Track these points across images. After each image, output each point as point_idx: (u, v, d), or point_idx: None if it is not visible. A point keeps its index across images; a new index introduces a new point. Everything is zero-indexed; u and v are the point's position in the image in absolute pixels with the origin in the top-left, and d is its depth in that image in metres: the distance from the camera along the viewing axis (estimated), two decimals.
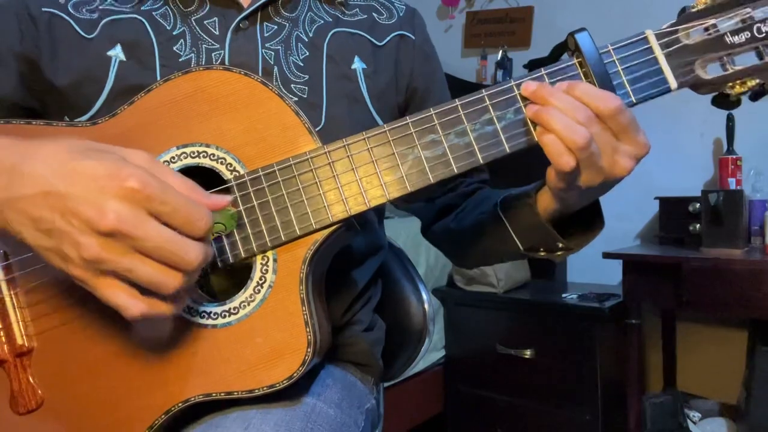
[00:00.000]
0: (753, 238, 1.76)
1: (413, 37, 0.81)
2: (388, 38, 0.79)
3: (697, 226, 1.76)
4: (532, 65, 2.29)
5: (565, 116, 0.53)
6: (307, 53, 0.72)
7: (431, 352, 2.12)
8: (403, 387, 1.92)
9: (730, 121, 1.86)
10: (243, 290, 0.58)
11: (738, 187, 1.80)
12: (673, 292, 1.66)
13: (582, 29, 0.57)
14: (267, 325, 0.57)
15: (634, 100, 0.57)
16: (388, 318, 0.87)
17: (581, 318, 1.86)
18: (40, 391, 0.59)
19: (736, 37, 0.57)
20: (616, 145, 0.55)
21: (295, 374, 0.56)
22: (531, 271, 2.23)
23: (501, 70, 2.43)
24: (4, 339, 0.59)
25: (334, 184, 0.58)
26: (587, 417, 1.84)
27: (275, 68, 0.70)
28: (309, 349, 0.56)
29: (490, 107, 0.57)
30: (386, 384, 0.94)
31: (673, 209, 1.88)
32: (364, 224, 0.78)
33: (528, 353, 1.94)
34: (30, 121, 0.61)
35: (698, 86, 0.59)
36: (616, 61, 0.58)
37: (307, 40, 0.73)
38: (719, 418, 1.84)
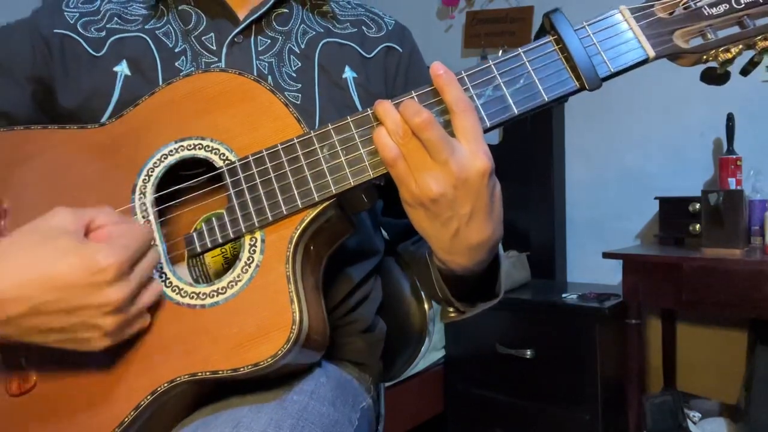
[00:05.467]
0: (753, 238, 1.76)
1: (400, 50, 0.83)
2: (377, 50, 0.81)
3: (697, 226, 1.76)
4: None
5: (384, 133, 0.56)
6: (300, 64, 0.76)
7: (431, 352, 2.12)
8: (403, 387, 1.92)
9: (730, 121, 1.85)
10: (231, 270, 0.59)
11: (738, 187, 1.80)
12: (673, 292, 1.66)
13: (556, 9, 0.61)
14: (253, 303, 0.58)
15: (612, 69, 0.59)
16: (388, 318, 0.87)
17: (581, 318, 1.86)
18: (32, 374, 0.60)
19: (714, 9, 0.58)
20: (426, 164, 0.55)
21: (279, 352, 0.55)
22: (531, 271, 2.24)
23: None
24: None
25: (320, 165, 0.60)
26: (587, 417, 1.84)
27: (269, 77, 0.74)
28: (294, 327, 0.56)
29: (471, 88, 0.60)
30: (386, 384, 0.94)
31: (673, 209, 1.88)
32: (358, 223, 0.78)
33: (528, 353, 1.94)
34: (46, 126, 0.67)
35: (677, 56, 0.60)
36: (592, 36, 0.60)
37: (299, 51, 0.76)
38: (719, 418, 1.84)
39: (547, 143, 2.27)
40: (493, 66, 0.59)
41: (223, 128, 0.63)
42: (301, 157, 0.60)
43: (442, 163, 0.54)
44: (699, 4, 0.58)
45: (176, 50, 0.73)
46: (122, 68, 0.72)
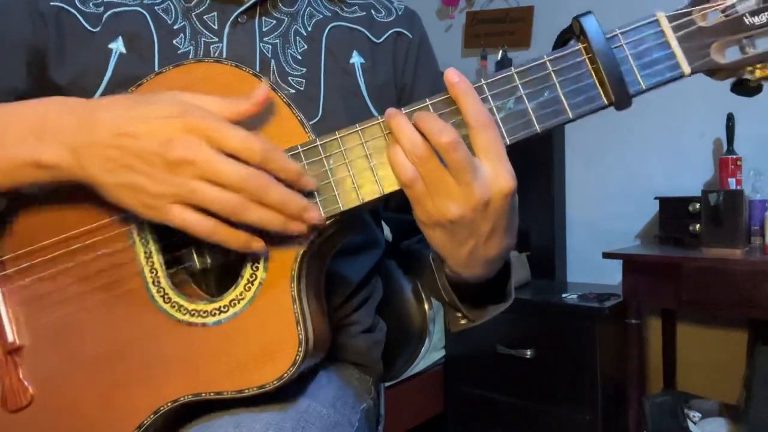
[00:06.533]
0: (753, 238, 1.76)
1: (410, 36, 0.81)
2: (386, 35, 0.79)
3: (697, 226, 1.76)
4: None
5: (400, 151, 0.52)
6: (306, 47, 0.72)
7: (431, 352, 2.12)
8: (403, 387, 1.92)
9: (730, 121, 1.85)
10: (233, 288, 0.57)
11: (738, 187, 1.80)
12: (673, 292, 1.66)
13: (588, 12, 0.54)
14: (257, 323, 0.56)
15: (644, 87, 0.54)
16: (388, 318, 0.86)
17: (581, 318, 1.86)
18: (30, 389, 0.59)
19: (756, 17, 0.53)
20: (446, 186, 0.51)
21: (285, 374, 0.55)
22: (531, 271, 2.24)
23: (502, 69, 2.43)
24: None
25: (327, 178, 0.55)
26: (587, 417, 1.84)
27: (272, 61, 0.70)
28: (300, 349, 0.55)
29: (489, 98, 0.54)
30: (386, 384, 0.94)
31: (673, 209, 1.88)
32: (361, 225, 0.78)
33: (528, 353, 1.94)
34: None
35: (714, 72, 0.55)
36: (624, 46, 0.54)
37: (305, 34, 0.73)
38: (719, 418, 1.84)
39: (547, 143, 2.27)
40: (515, 74, 0.54)
41: None
42: (306, 168, 0.55)
43: (464, 185, 0.50)
44: (740, 11, 0.53)
45: (175, 27, 0.69)
46: (117, 45, 0.68)
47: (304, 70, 0.71)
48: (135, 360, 0.57)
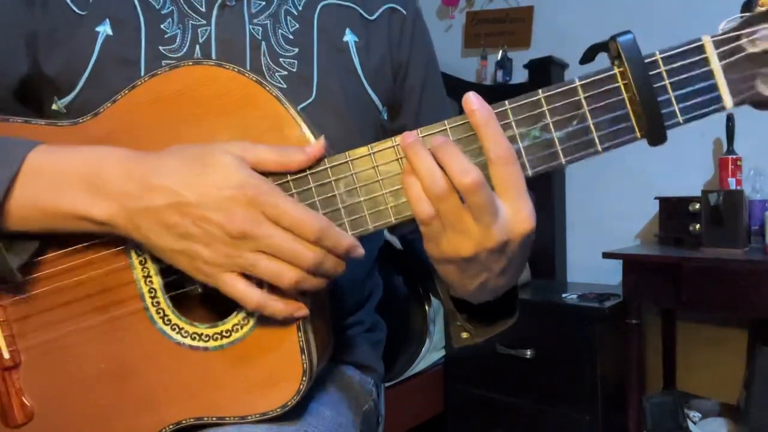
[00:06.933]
0: (753, 238, 1.76)
1: (404, 12, 0.79)
2: (380, 11, 0.77)
3: (697, 226, 1.76)
4: (532, 65, 2.30)
5: (417, 185, 0.49)
6: (297, 26, 0.71)
7: (431, 352, 2.12)
8: (403, 387, 1.92)
9: (730, 121, 1.86)
10: (236, 312, 0.55)
11: (738, 187, 1.80)
12: (673, 292, 1.66)
13: (627, 32, 0.48)
14: (260, 350, 0.55)
15: (681, 121, 0.49)
16: (388, 319, 0.86)
17: (581, 318, 1.86)
18: (30, 405, 0.58)
19: None
20: (465, 226, 0.49)
21: (289, 402, 0.54)
22: (531, 271, 2.23)
23: (501, 70, 2.43)
24: None
25: (336, 204, 0.52)
26: (587, 417, 1.84)
27: (263, 43, 0.68)
28: (304, 378, 0.54)
29: (513, 124, 0.50)
30: (386, 384, 0.94)
31: (673, 209, 1.88)
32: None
33: (528, 353, 1.94)
34: (7, 119, 0.59)
35: (758, 104, 0.50)
36: (664, 73, 0.49)
37: (296, 13, 0.72)
38: (719, 418, 1.84)
39: None
40: (543, 99, 0.50)
41: (221, 141, 0.53)
42: (314, 191, 0.52)
43: (484, 227, 0.48)
44: None
45: (163, 12, 0.67)
46: (105, 28, 0.66)
47: (297, 50, 0.69)
48: (135, 382, 0.57)
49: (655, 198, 1.93)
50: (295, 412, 0.60)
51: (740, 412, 1.74)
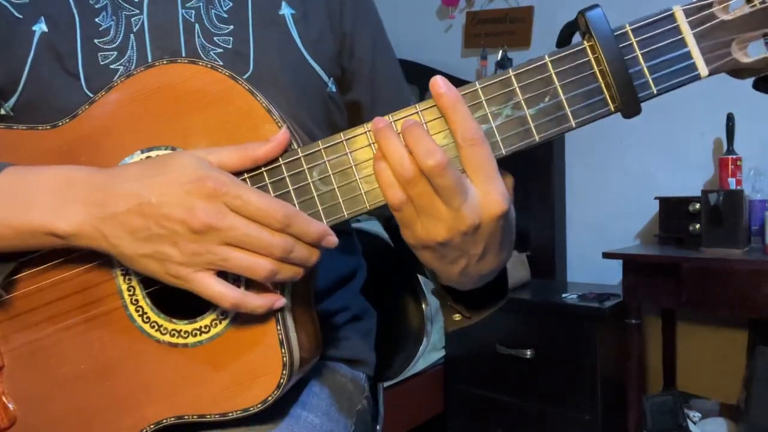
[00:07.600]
0: (753, 238, 1.76)
1: None
2: None
3: (697, 226, 1.76)
4: None
5: (388, 171, 0.49)
6: (231, 4, 0.70)
7: (431, 352, 2.12)
8: (403, 387, 1.92)
9: (730, 121, 1.85)
10: (213, 307, 0.54)
11: (738, 187, 1.80)
12: (673, 292, 1.66)
13: (595, 6, 0.48)
14: (239, 345, 0.54)
15: (655, 91, 0.49)
16: (386, 318, 0.86)
17: (581, 318, 1.86)
18: (12, 408, 0.58)
19: None
20: (436, 210, 0.49)
21: (269, 397, 0.53)
22: (531, 271, 2.23)
23: (501, 70, 2.43)
24: None
25: (311, 192, 0.52)
26: (587, 417, 1.84)
27: (196, 25, 0.68)
28: (284, 371, 0.53)
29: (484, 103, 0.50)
30: (386, 384, 0.94)
31: (673, 209, 1.88)
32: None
33: (528, 353, 1.94)
34: (10, 126, 0.60)
35: (735, 72, 0.50)
36: (635, 45, 0.49)
37: None
38: (719, 418, 1.84)
39: (547, 143, 2.27)
40: (513, 77, 0.50)
41: (196, 137, 0.55)
42: (288, 180, 0.52)
43: (454, 209, 0.48)
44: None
45: (97, 6, 0.67)
46: (40, 26, 0.65)
47: (231, 27, 0.69)
48: (116, 382, 0.56)
49: (655, 198, 1.93)
50: (284, 421, 0.60)
51: (740, 412, 1.73)
